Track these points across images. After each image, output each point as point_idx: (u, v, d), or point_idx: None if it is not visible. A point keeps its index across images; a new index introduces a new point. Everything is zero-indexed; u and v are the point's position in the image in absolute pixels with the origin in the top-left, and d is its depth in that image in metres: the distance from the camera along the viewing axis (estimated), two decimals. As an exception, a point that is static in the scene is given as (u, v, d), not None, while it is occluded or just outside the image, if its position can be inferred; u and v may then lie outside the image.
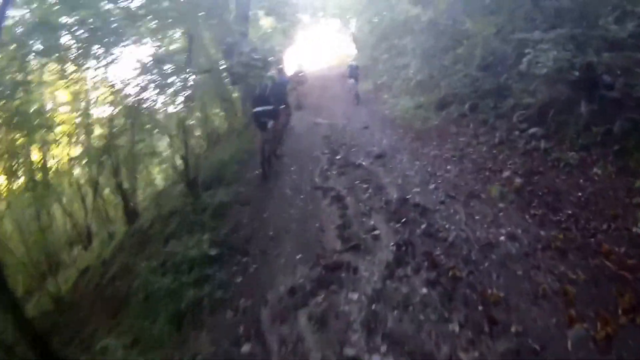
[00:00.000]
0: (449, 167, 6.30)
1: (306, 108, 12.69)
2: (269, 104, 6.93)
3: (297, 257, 4.47)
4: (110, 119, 11.59)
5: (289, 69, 14.50)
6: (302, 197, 5.74)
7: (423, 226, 4.70)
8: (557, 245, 3.77)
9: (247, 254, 4.75)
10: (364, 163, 6.69)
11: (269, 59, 12.07)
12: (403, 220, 4.84)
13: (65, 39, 7.47)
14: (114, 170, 11.19)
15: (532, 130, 6.67)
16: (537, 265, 3.56)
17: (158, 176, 15.11)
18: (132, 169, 12.68)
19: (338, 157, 7.14)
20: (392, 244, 4.36)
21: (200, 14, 6.67)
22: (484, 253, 3.94)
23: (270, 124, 6.93)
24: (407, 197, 5.39)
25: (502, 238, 4.19)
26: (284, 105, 7.81)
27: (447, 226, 4.68)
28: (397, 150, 7.19)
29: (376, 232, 4.68)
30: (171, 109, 11.06)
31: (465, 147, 6.92)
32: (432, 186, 5.69)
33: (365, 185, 5.86)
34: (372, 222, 4.89)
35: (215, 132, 15.33)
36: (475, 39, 8.93)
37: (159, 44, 8.38)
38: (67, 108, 12.08)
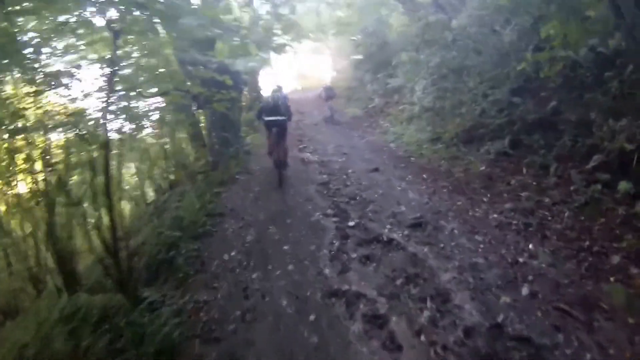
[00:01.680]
0: (530, 246, 4.03)
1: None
2: (280, 114, 7.08)
3: None
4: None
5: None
6: (311, 317, 3.17)
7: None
8: None
9: None
10: (396, 237, 4.26)
11: (243, 76, 9.63)
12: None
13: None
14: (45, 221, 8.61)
15: (622, 185, 4.58)
16: None
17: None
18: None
19: (351, 223, 4.66)
20: None
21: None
22: None
23: (279, 133, 6.97)
24: (499, 319, 3.01)
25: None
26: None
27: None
28: (437, 211, 4.84)
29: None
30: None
31: (536, 208, 4.72)
32: (525, 290, 3.39)
33: (414, 290, 3.42)
34: (460, 391, 2.46)
35: (179, 165, 12.58)
36: (514, 54, 6.86)
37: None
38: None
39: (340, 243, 4.22)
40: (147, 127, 12.05)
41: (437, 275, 3.61)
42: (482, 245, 4.14)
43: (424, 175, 6.10)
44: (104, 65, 4.55)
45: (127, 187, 12.72)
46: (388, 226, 4.51)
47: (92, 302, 4.68)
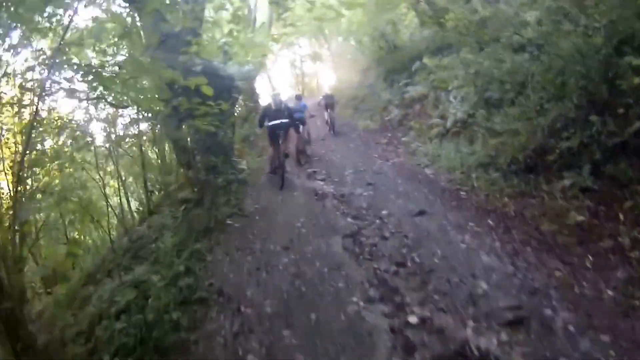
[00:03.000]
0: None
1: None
2: (284, 117, 7.21)
3: None
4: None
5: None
6: None
7: None
8: None
9: None
10: (491, 348, 2.74)
11: (237, 83, 8.00)
12: None
13: None
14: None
15: None
16: None
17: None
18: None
19: (412, 319, 3.06)
20: None
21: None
22: None
23: (282, 136, 7.17)
24: None
25: None
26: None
27: None
28: (533, 289, 3.37)
29: None
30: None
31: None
32: None
33: None
34: None
35: (162, 184, 10.99)
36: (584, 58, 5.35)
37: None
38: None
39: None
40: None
41: None
42: (613, 352, 2.64)
43: (490, 222, 4.53)
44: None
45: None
46: (471, 322, 2.94)
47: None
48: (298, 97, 10.48)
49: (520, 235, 4.19)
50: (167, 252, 4.63)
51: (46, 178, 11.30)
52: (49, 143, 10.62)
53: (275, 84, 23.52)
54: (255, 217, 5.76)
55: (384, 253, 4.01)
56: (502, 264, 3.66)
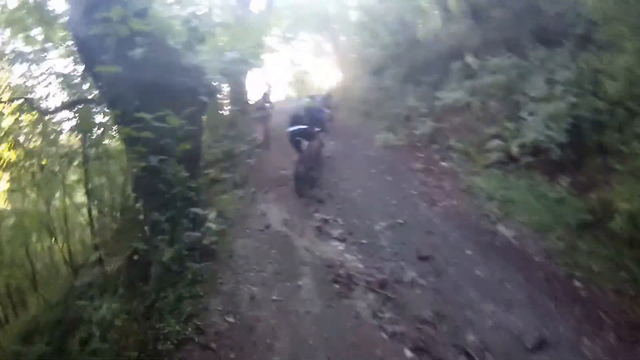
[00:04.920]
0: None
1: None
2: (303, 123, 7.10)
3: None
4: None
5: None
6: None
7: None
8: None
9: None
10: None
11: (209, 78, 5.40)
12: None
13: None
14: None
15: None
16: None
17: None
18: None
19: None
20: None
21: None
22: None
23: (305, 144, 7.03)
24: None
25: None
26: (319, 129, 7.54)
27: None
28: None
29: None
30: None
31: None
32: None
33: None
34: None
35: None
36: None
37: None
38: None
39: None
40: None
41: None
42: None
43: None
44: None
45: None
46: None
47: None
48: (313, 98, 10.16)
49: None
50: None
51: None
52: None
53: (270, 82, 21.41)
54: (228, 353, 3.19)
55: None
56: None
